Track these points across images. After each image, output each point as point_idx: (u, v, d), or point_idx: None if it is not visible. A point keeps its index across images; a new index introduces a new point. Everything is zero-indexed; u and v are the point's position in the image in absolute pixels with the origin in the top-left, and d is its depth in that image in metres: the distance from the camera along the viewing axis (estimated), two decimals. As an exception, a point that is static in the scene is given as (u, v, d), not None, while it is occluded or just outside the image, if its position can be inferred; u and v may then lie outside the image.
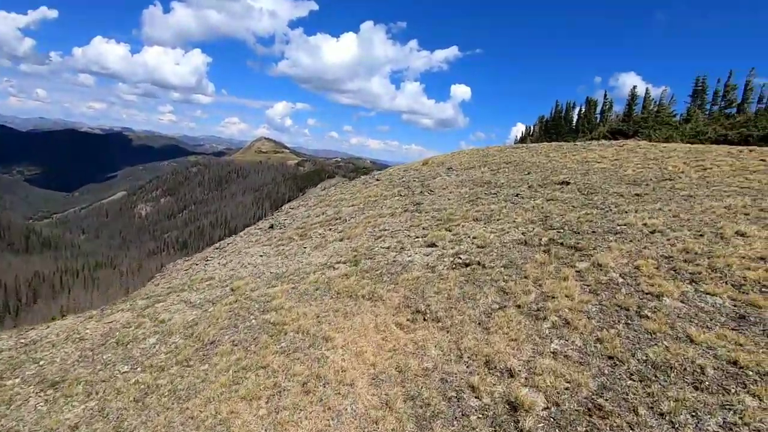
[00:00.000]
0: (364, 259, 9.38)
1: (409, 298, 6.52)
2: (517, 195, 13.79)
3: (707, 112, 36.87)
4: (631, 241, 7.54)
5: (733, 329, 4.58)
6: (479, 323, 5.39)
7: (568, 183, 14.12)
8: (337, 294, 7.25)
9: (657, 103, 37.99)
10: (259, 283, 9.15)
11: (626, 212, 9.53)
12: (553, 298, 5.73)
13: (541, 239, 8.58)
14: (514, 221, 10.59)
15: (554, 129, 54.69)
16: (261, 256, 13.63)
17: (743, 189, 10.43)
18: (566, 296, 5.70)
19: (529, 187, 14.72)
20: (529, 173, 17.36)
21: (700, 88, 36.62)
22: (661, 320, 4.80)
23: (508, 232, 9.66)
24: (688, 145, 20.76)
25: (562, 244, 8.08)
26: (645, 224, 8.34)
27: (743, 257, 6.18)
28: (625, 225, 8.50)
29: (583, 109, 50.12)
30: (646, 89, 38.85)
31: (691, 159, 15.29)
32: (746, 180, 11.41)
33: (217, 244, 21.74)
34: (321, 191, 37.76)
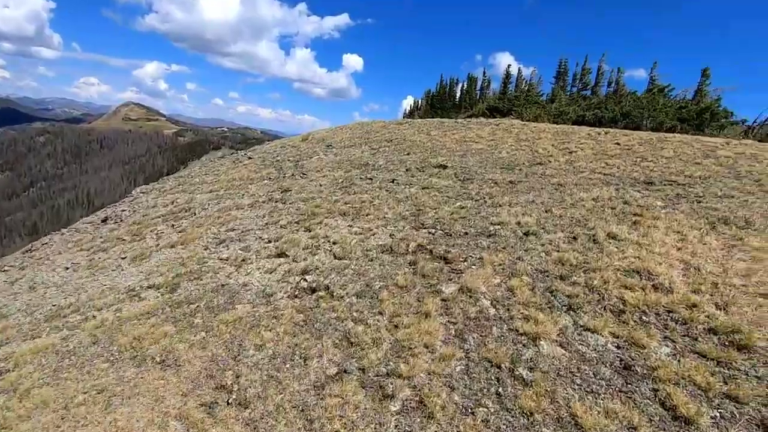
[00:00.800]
0: (186, 280, 7.02)
1: (218, 359, 4.51)
2: (393, 181, 12.42)
3: (568, 93, 40.05)
4: (504, 247, 6.49)
5: (620, 392, 3.52)
6: (302, 409, 3.66)
7: (445, 167, 13.17)
8: (118, 354, 4.91)
9: (528, 82, 40.24)
10: (20, 330, 6.25)
11: (500, 206, 8.63)
12: (410, 349, 4.24)
13: (408, 245, 7.18)
14: (385, 216, 9.12)
15: (439, 104, 55.67)
16: (66, 269, 10.22)
17: (606, 176, 10.35)
18: (426, 346, 4.25)
19: (407, 170, 13.48)
20: (408, 154, 16.16)
21: (562, 70, 39.49)
22: (540, 387, 3.58)
23: (374, 234, 8.11)
24: (555, 125, 21.64)
25: (431, 252, 6.75)
26: (518, 223, 7.43)
27: (618, 270, 5.40)
28: (499, 224, 7.50)
29: (465, 86, 51.64)
30: (519, 69, 40.87)
31: (558, 141, 15.50)
32: (607, 166, 11.50)
33: (30, 245, 16.82)
34: (203, 163, 32.85)
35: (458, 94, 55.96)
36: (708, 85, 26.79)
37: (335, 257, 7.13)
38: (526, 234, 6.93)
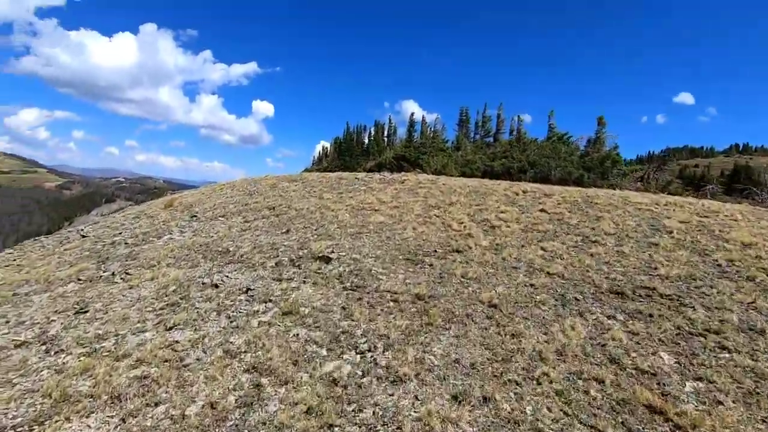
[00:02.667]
0: None
1: None
2: (247, 291, 8.00)
3: (472, 140, 39.56)
4: None
5: None
6: None
7: (329, 260, 9.09)
8: None
9: (432, 129, 39.25)
10: None
11: (399, 380, 4.64)
12: None
13: None
14: (184, 415, 4.60)
15: (347, 151, 53.35)
16: None
17: (554, 279, 7.02)
18: None
19: (277, 264, 9.16)
20: (287, 231, 11.88)
21: (464, 118, 39.19)
22: None
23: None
24: (466, 180, 19.09)
25: None
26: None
27: None
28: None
29: (373, 132, 50.07)
30: (423, 116, 40.08)
31: (473, 207, 12.46)
32: (545, 254, 8.33)
33: None
34: (95, 219, 24.87)
35: (366, 141, 54.17)
36: (604, 133, 26.98)
37: None
38: None
